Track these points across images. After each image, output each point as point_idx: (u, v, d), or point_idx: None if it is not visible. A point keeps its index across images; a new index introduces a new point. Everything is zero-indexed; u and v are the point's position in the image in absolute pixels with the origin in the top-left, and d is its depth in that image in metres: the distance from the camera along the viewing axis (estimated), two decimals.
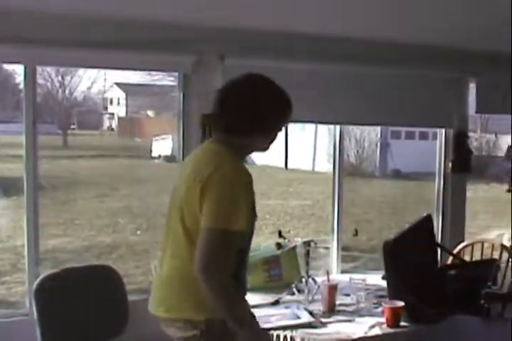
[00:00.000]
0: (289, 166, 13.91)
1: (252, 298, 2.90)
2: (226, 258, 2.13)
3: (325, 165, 11.90)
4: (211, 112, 2.34)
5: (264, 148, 2.38)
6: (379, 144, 15.59)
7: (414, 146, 15.01)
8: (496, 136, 17.28)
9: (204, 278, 2.10)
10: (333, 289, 3.29)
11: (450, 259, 4.19)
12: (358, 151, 14.84)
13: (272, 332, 2.96)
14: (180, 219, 2.25)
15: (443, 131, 4.75)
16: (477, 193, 12.10)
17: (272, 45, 3.79)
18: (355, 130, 14.18)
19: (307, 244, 3.46)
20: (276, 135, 2.37)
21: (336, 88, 4.11)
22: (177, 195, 2.31)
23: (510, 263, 4.10)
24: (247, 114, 2.27)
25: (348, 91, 4.16)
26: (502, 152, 16.30)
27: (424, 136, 15.38)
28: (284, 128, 2.39)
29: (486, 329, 3.02)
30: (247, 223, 2.20)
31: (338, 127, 4.33)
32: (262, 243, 3.75)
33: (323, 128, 13.24)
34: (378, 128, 14.64)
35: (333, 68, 4.07)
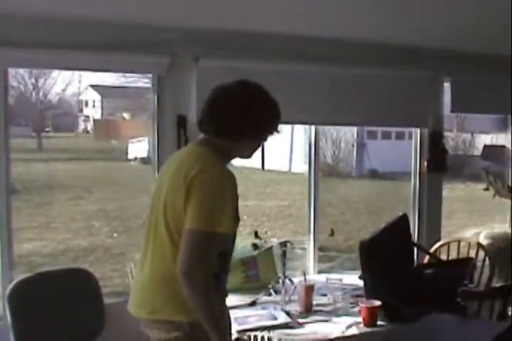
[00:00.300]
0: (265, 167, 13.87)
1: (229, 299, 2.89)
2: (209, 261, 2.14)
3: (302, 165, 11.90)
4: (201, 115, 2.35)
5: (247, 155, 2.41)
6: (355, 144, 15.65)
7: (390, 146, 15.07)
8: (472, 135, 17.42)
9: (186, 280, 2.10)
10: (309, 289, 3.29)
11: (427, 258, 4.21)
12: (334, 152, 14.86)
13: (249, 333, 2.95)
14: (164, 220, 2.24)
15: (418, 130, 4.77)
16: (454, 192, 12.17)
17: (246, 46, 3.78)
18: (332, 130, 14.20)
19: (283, 244, 3.46)
20: (262, 143, 2.40)
21: (312, 88, 4.11)
22: (160, 196, 2.30)
23: (486, 262, 4.13)
24: (238, 119, 2.28)
25: (323, 92, 4.16)
26: (478, 151, 16.45)
27: (400, 136, 15.45)
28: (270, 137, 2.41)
29: (462, 328, 3.03)
30: (231, 225, 2.21)
31: (313, 127, 4.33)
32: (239, 244, 3.72)
33: (299, 129, 13.26)
34: (354, 129, 14.69)
35: (308, 68, 4.07)
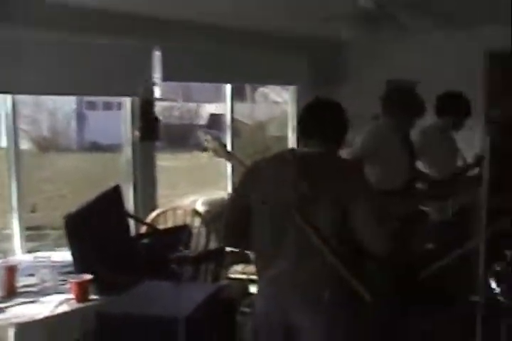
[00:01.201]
0: None
1: None
2: None
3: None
4: None
5: None
6: (75, 115, 15.14)
7: (112, 117, 14.84)
8: (197, 105, 17.85)
9: None
10: (11, 271, 3.07)
11: (145, 229, 4.21)
12: (51, 124, 14.21)
13: None
14: None
15: (130, 99, 4.70)
16: (179, 162, 12.36)
17: None
18: (48, 101, 13.54)
19: None
20: None
21: (18, 55, 3.82)
22: None
23: (201, 229, 4.24)
24: None
25: (32, 59, 3.90)
26: (204, 120, 16.99)
27: (121, 107, 15.32)
28: None
29: (174, 292, 3.05)
30: None
31: (9, 96, 3.99)
32: None
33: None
34: (73, 99, 14.17)
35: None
